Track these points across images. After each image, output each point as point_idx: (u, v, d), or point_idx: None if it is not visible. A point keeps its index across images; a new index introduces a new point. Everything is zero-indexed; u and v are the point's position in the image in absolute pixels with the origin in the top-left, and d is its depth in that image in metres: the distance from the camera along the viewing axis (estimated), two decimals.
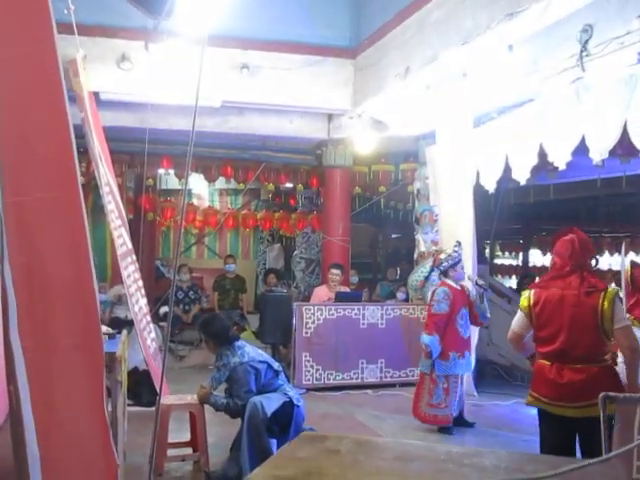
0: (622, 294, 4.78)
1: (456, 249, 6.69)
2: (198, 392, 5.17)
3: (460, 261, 6.65)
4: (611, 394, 3.30)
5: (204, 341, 5.33)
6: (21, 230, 2.11)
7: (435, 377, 6.42)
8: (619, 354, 4.09)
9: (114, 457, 2.62)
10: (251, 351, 5.12)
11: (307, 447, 1.47)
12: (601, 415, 3.21)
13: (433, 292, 6.62)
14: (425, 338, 6.39)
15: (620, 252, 8.09)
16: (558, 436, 3.94)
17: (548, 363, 3.97)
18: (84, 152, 6.86)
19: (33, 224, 2.20)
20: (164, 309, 9.91)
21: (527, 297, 4.10)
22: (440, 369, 6.39)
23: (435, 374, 6.41)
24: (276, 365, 5.20)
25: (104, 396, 2.50)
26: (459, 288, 6.59)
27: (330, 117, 9.49)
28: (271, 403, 4.90)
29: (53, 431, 2.39)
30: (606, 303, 3.84)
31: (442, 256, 6.72)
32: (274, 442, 4.99)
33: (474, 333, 7.29)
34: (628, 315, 4.40)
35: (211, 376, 5.12)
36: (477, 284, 6.69)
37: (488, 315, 6.69)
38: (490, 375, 8.97)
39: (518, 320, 4.18)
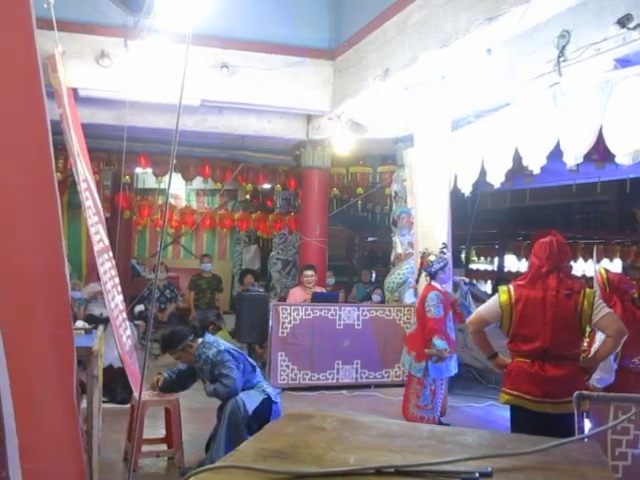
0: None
1: (445, 251, 6.66)
2: None
3: (448, 263, 6.59)
4: (585, 392, 3.38)
5: (177, 357, 5.31)
6: (2, 214, 2.11)
7: (424, 379, 6.35)
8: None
9: (81, 450, 2.62)
10: (225, 343, 5.27)
11: (293, 424, 1.50)
12: (575, 413, 3.28)
13: (424, 297, 6.37)
14: (441, 343, 6.16)
15: (592, 258, 8.22)
16: (532, 433, 3.99)
17: (528, 361, 4.03)
18: (62, 149, 6.81)
19: (14, 208, 2.20)
20: (139, 307, 9.89)
21: (507, 293, 4.14)
22: (435, 372, 6.31)
23: (427, 377, 6.33)
24: (250, 360, 5.31)
25: (75, 386, 2.50)
26: (444, 291, 6.50)
27: (309, 118, 9.52)
28: (252, 401, 4.96)
29: (32, 421, 2.38)
30: (586, 303, 3.96)
31: (432, 258, 6.53)
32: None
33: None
34: None
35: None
36: (464, 282, 6.71)
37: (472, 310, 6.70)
38: (464, 378, 9.03)
39: (492, 310, 4.21)
